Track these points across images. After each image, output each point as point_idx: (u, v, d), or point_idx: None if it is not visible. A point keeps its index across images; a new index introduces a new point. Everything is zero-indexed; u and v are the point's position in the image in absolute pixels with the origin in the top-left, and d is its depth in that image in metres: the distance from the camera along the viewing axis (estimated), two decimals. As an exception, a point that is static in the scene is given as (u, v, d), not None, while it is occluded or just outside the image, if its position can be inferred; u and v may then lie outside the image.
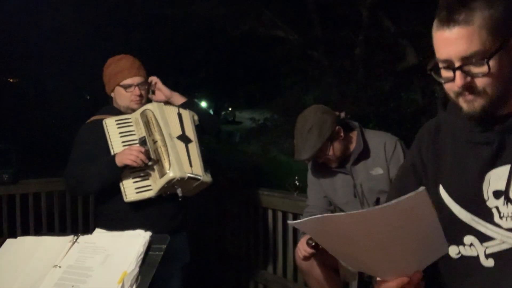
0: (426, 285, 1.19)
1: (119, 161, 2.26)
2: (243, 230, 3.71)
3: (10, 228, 3.54)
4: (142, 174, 2.36)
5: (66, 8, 9.27)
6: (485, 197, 1.10)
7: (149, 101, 2.56)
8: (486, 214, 1.09)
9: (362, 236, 0.94)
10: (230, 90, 17.68)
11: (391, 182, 2.25)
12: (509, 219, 1.06)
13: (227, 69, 13.77)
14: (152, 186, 2.35)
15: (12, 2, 9.01)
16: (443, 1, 1.05)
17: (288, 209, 3.15)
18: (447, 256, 1.13)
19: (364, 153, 2.37)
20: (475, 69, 1.03)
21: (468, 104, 1.07)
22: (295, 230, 3.14)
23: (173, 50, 11.42)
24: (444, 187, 1.17)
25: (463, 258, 1.13)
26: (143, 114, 2.40)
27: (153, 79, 2.65)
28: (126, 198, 2.33)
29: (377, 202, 2.31)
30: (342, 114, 2.45)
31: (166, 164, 2.29)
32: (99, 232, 1.51)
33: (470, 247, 1.12)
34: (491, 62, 1.01)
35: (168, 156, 2.30)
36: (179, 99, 2.65)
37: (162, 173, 2.29)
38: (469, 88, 1.05)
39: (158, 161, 2.32)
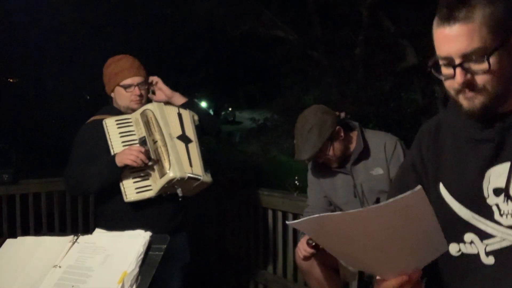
0: (427, 283, 1.19)
1: (119, 161, 2.26)
2: (243, 230, 3.71)
3: (10, 228, 3.54)
4: (142, 174, 2.36)
5: (66, 8, 9.27)
6: (485, 194, 1.10)
7: (149, 101, 2.56)
8: (486, 212, 1.09)
9: (361, 235, 0.94)
10: (230, 90, 17.70)
11: (391, 182, 2.24)
12: (509, 216, 1.06)
13: (227, 69, 13.78)
14: (152, 186, 2.35)
15: (12, 2, 9.01)
16: None
17: (288, 209, 3.15)
18: (447, 254, 1.13)
19: (364, 153, 2.37)
20: (475, 66, 1.03)
21: (468, 101, 1.07)
22: (295, 230, 3.14)
23: (173, 50, 11.42)
24: (444, 185, 1.17)
25: (463, 255, 1.13)
26: (143, 114, 2.40)
27: (154, 78, 2.64)
28: (126, 198, 2.33)
29: (377, 202, 2.31)
30: (342, 114, 2.45)
31: (166, 164, 2.29)
32: (99, 232, 1.51)
33: (471, 244, 1.12)
34: (491, 59, 1.02)
35: (168, 156, 2.30)
36: (179, 99, 2.65)
37: (162, 173, 2.29)
38: (469, 85, 1.05)
39: (158, 161, 2.32)
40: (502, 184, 1.08)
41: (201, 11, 8.71)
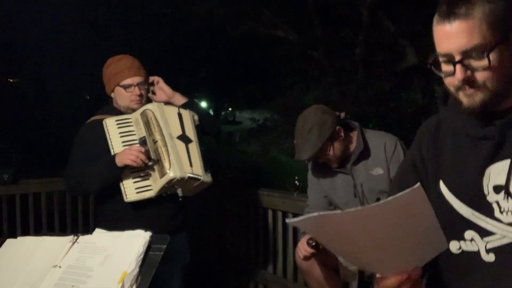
0: (428, 280, 1.19)
1: (119, 161, 2.26)
2: (243, 230, 3.71)
3: (10, 228, 3.53)
4: (142, 174, 2.36)
5: (66, 8, 9.27)
6: (485, 192, 1.10)
7: (149, 101, 2.56)
8: (486, 209, 1.09)
9: (360, 234, 0.94)
10: (230, 90, 17.70)
11: (391, 182, 2.24)
12: (509, 213, 1.06)
13: (227, 69, 13.78)
14: (152, 186, 2.35)
15: (12, 2, 9.02)
16: None
17: (288, 209, 3.15)
18: (448, 251, 1.13)
19: (364, 153, 2.37)
20: (475, 63, 1.04)
21: (468, 98, 1.07)
22: (295, 230, 3.14)
23: (173, 50, 11.43)
24: (444, 183, 1.17)
25: (464, 253, 1.13)
26: (143, 114, 2.40)
27: (155, 78, 2.64)
28: (127, 198, 2.33)
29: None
30: (342, 114, 2.45)
31: (166, 164, 2.29)
32: (99, 232, 1.51)
33: (471, 242, 1.12)
34: (491, 56, 1.02)
35: (169, 156, 2.30)
36: (180, 99, 2.65)
37: (163, 173, 2.29)
38: (469, 82, 1.05)
39: (158, 161, 2.32)
40: (502, 181, 1.08)
41: (201, 11, 8.72)
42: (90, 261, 1.38)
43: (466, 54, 1.03)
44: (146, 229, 1.41)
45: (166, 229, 1.76)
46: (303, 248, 2.33)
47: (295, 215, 3.09)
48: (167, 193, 2.38)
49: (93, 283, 1.31)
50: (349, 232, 0.94)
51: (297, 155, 2.37)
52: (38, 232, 3.46)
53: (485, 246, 1.09)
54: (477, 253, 1.11)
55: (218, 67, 13.50)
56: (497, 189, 1.08)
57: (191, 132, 2.48)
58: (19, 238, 1.63)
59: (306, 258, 2.34)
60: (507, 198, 1.07)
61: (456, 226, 1.13)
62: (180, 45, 11.29)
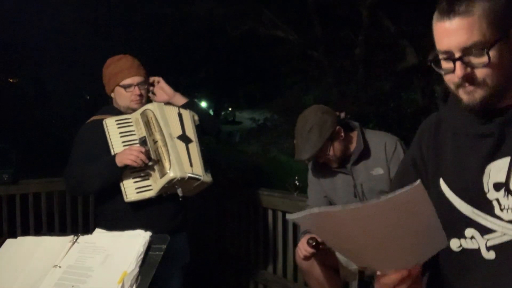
0: (429, 278, 1.19)
1: (119, 161, 2.26)
2: (243, 230, 3.71)
3: (10, 228, 3.53)
4: (142, 174, 2.36)
5: (66, 8, 9.27)
6: (486, 189, 1.10)
7: (149, 101, 2.56)
8: (486, 207, 1.09)
9: (360, 231, 0.94)
10: (230, 90, 17.69)
11: (391, 181, 2.24)
12: (509, 211, 1.06)
13: (227, 69, 13.78)
14: (152, 186, 2.35)
15: (12, 2, 9.01)
16: None
17: (288, 209, 3.15)
18: (448, 249, 1.13)
19: (365, 153, 2.37)
20: (475, 60, 1.04)
21: (468, 95, 1.07)
22: (295, 230, 3.14)
23: (173, 50, 11.42)
24: (444, 180, 1.17)
25: (464, 251, 1.13)
26: (143, 114, 2.40)
27: (156, 78, 2.64)
28: (127, 198, 2.33)
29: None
30: (342, 114, 2.45)
31: (166, 164, 2.29)
32: (99, 232, 1.51)
33: (471, 240, 1.12)
34: (491, 53, 1.02)
35: (169, 156, 2.30)
36: (180, 99, 2.65)
37: (163, 173, 2.29)
38: (469, 79, 1.05)
39: (158, 161, 2.32)
40: (502, 178, 1.08)
41: (201, 11, 8.72)
42: (90, 261, 1.38)
43: (466, 51, 1.03)
44: (146, 229, 1.41)
45: (166, 229, 1.76)
46: (303, 248, 2.33)
47: (295, 215, 3.08)
48: (167, 193, 2.38)
49: (93, 283, 1.31)
50: (349, 229, 0.94)
51: (297, 155, 2.37)
52: (38, 232, 3.46)
53: (486, 244, 1.09)
54: (478, 251, 1.11)
55: (218, 67, 13.50)
56: (497, 186, 1.08)
57: (191, 132, 2.47)
58: (19, 238, 1.63)
59: (306, 258, 2.34)
60: (507, 195, 1.07)
61: (456, 224, 1.13)
62: (180, 45, 11.29)
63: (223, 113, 23.80)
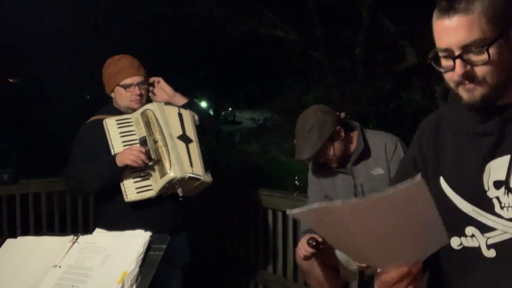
0: (429, 277, 1.19)
1: (119, 161, 2.26)
2: (243, 230, 3.71)
3: (10, 228, 3.53)
4: (142, 174, 2.36)
5: (66, 8, 9.27)
6: (486, 187, 1.10)
7: (149, 101, 2.56)
8: (486, 205, 1.09)
9: (361, 226, 0.93)
10: (230, 90, 17.68)
11: (391, 181, 2.24)
12: (510, 209, 1.06)
13: (227, 69, 13.77)
14: (152, 186, 2.35)
15: (12, 2, 9.01)
16: None
17: (287, 213, 3.15)
18: (449, 247, 1.14)
19: (365, 153, 2.37)
20: (475, 58, 1.04)
21: (468, 93, 1.07)
22: (295, 230, 3.14)
23: (173, 50, 11.42)
24: (445, 179, 1.17)
25: (465, 249, 1.13)
26: (143, 114, 2.40)
27: (156, 79, 2.65)
28: (127, 198, 2.33)
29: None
30: (342, 114, 2.45)
31: (166, 164, 2.29)
32: (99, 232, 1.51)
33: (472, 238, 1.12)
34: (491, 50, 1.02)
35: (169, 156, 2.30)
36: (180, 99, 2.65)
37: (163, 173, 2.29)
38: (469, 76, 1.05)
39: (158, 161, 2.32)
40: (502, 176, 1.08)
41: (201, 11, 8.72)
42: (90, 261, 1.38)
43: (466, 48, 1.03)
44: (146, 229, 1.41)
45: (166, 229, 1.76)
46: (303, 248, 2.33)
47: (295, 215, 3.08)
48: (168, 193, 2.38)
49: (93, 283, 1.31)
50: (349, 225, 0.93)
51: (297, 155, 2.37)
52: (38, 232, 3.46)
53: (486, 242, 1.09)
54: (478, 249, 1.11)
55: (218, 67, 13.49)
56: (497, 184, 1.08)
57: (191, 132, 2.48)
58: (19, 238, 1.63)
59: (306, 258, 2.34)
60: (508, 193, 1.07)
61: (456, 222, 1.13)
62: (180, 45, 11.29)
63: (223, 113, 23.78)
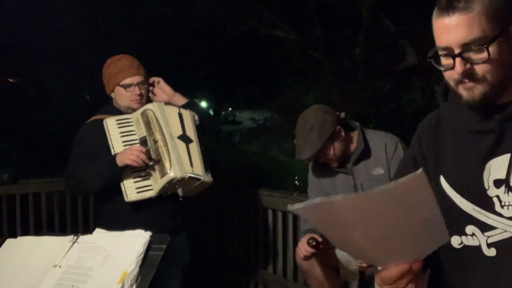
0: (430, 275, 1.19)
1: (120, 161, 2.26)
2: (243, 230, 3.71)
3: (10, 228, 3.53)
4: (143, 174, 2.36)
5: (66, 8, 9.27)
6: (486, 186, 1.10)
7: (149, 101, 2.56)
8: (486, 203, 1.10)
9: (362, 221, 0.93)
10: (230, 90, 17.68)
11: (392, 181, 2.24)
12: (510, 207, 1.06)
13: (227, 69, 13.77)
14: (153, 186, 2.35)
15: (12, 2, 9.01)
16: None
17: (288, 209, 3.15)
18: (449, 246, 1.14)
19: (365, 153, 2.37)
20: (474, 56, 1.04)
21: (468, 91, 1.07)
22: (295, 230, 3.14)
23: (173, 50, 11.41)
24: (445, 178, 1.17)
25: (465, 248, 1.13)
26: (143, 114, 2.40)
27: (156, 79, 2.65)
28: (127, 198, 2.33)
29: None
30: (342, 114, 2.45)
31: (167, 164, 2.29)
32: (99, 232, 1.51)
33: (472, 237, 1.12)
34: (491, 49, 1.02)
35: (169, 156, 2.30)
36: (180, 99, 2.65)
37: (163, 173, 2.29)
38: (469, 75, 1.05)
39: (159, 161, 2.32)
40: (502, 175, 1.08)
41: (201, 11, 8.72)
42: (90, 261, 1.38)
43: (466, 47, 1.03)
44: (146, 229, 1.41)
45: (166, 229, 1.76)
46: (303, 248, 2.33)
47: (295, 215, 3.09)
48: (168, 193, 2.38)
49: (93, 283, 1.31)
50: (350, 220, 0.93)
51: (298, 155, 2.37)
52: (38, 232, 3.46)
53: (486, 241, 1.10)
54: (479, 247, 1.11)
55: (218, 67, 13.49)
56: (497, 183, 1.08)
57: (191, 132, 2.48)
58: (19, 238, 1.63)
59: (306, 258, 2.34)
60: (508, 192, 1.07)
61: (457, 221, 1.13)
62: (180, 45, 11.28)
63: (223, 113, 23.78)
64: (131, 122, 2.41)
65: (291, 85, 10.93)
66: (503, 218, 1.07)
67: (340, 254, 2.44)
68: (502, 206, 1.08)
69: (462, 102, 1.09)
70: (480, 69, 1.04)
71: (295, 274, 3.18)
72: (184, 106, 2.59)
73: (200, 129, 2.58)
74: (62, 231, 3.65)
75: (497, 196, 1.08)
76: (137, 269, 1.30)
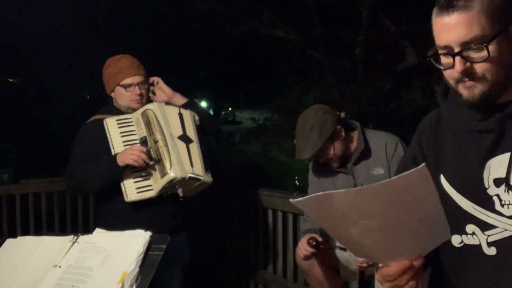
0: (430, 274, 1.19)
1: (120, 161, 2.26)
2: (243, 230, 3.71)
3: (10, 228, 3.53)
4: (143, 174, 2.36)
5: (66, 8, 9.27)
6: (486, 185, 1.10)
7: (149, 101, 2.56)
8: (487, 202, 1.09)
9: (363, 215, 0.92)
10: (230, 90, 17.68)
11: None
12: (510, 206, 1.06)
13: (227, 69, 13.76)
14: (153, 186, 2.35)
15: (12, 2, 9.01)
16: None
17: (288, 209, 3.15)
18: (450, 245, 1.14)
19: (365, 153, 2.37)
20: (474, 55, 1.04)
21: (468, 90, 1.07)
22: (295, 230, 3.14)
23: (173, 50, 11.41)
24: (445, 177, 1.17)
25: (465, 247, 1.13)
26: (144, 114, 2.40)
27: (155, 79, 2.65)
28: (127, 198, 2.33)
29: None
30: (342, 114, 2.45)
31: (167, 164, 2.29)
32: (99, 232, 1.51)
33: (472, 236, 1.12)
34: (491, 47, 1.02)
35: (169, 156, 2.30)
36: (180, 99, 2.65)
37: (163, 173, 2.29)
38: (468, 74, 1.05)
39: (159, 161, 2.32)
40: (502, 174, 1.08)
41: (201, 11, 8.72)
42: (90, 261, 1.38)
43: (465, 45, 1.03)
44: (146, 229, 1.41)
45: (166, 229, 1.76)
46: (303, 248, 2.33)
47: (295, 215, 3.09)
48: (168, 193, 2.38)
49: (93, 283, 1.31)
50: (351, 214, 0.92)
51: (298, 155, 2.37)
52: (38, 232, 3.46)
53: (487, 240, 1.09)
54: (479, 246, 1.11)
55: (218, 67, 13.49)
56: (497, 182, 1.08)
57: (191, 132, 2.48)
58: (19, 238, 1.63)
59: (307, 257, 2.34)
60: (508, 191, 1.07)
61: (457, 220, 1.13)
62: (180, 45, 11.28)
63: (223, 113, 23.77)
64: (132, 122, 2.41)
65: (291, 85, 10.93)
66: (503, 217, 1.07)
67: (340, 254, 2.44)
68: (502, 205, 1.08)
69: (462, 101, 1.09)
70: (480, 68, 1.04)
71: (295, 274, 3.18)
72: (184, 106, 2.59)
73: (200, 129, 2.58)
74: (62, 231, 3.65)
75: (497, 195, 1.08)
76: (137, 269, 1.30)
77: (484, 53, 1.02)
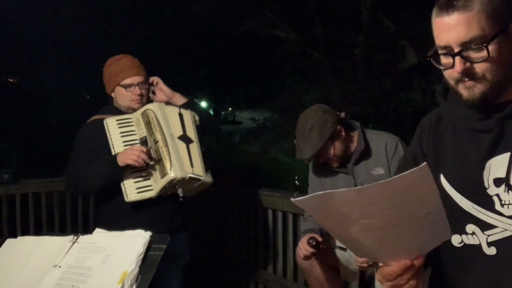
0: (431, 274, 1.19)
1: (120, 161, 2.26)
2: (243, 230, 3.71)
3: (10, 228, 3.53)
4: (143, 174, 2.36)
5: (66, 8, 9.27)
6: (486, 185, 1.10)
7: (150, 101, 2.56)
8: (487, 202, 1.10)
9: (364, 214, 0.92)
10: (230, 90, 17.70)
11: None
12: (510, 206, 1.07)
13: (227, 69, 13.77)
14: (153, 186, 2.35)
15: (12, 2, 9.01)
16: None
17: (288, 209, 3.15)
18: (450, 245, 1.14)
19: (365, 153, 2.37)
20: (474, 54, 1.04)
21: (468, 90, 1.07)
22: (295, 230, 3.14)
23: (173, 50, 11.42)
24: (445, 176, 1.17)
25: (465, 246, 1.13)
26: (144, 114, 2.40)
27: (155, 79, 2.65)
28: (127, 198, 2.33)
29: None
30: (342, 114, 2.45)
31: (167, 164, 2.29)
32: (99, 232, 1.51)
33: (472, 235, 1.12)
34: (490, 47, 1.02)
35: (170, 156, 2.30)
36: (180, 99, 2.65)
37: (164, 173, 2.29)
38: (468, 73, 1.05)
39: (159, 161, 2.32)
40: (502, 174, 1.08)
41: (201, 11, 8.72)
42: (90, 261, 1.38)
43: (465, 45, 1.03)
44: (146, 229, 1.41)
45: (166, 229, 1.76)
46: (303, 248, 2.33)
47: (295, 215, 3.09)
48: (168, 193, 2.38)
49: (93, 283, 1.31)
50: (352, 213, 0.92)
51: (298, 154, 2.37)
52: (38, 232, 3.46)
53: (487, 240, 1.10)
54: (479, 246, 1.11)
55: (218, 67, 13.50)
56: (497, 182, 1.08)
57: (192, 132, 2.48)
58: (19, 238, 1.63)
59: (307, 257, 2.34)
60: (508, 191, 1.07)
61: (457, 219, 1.13)
62: (180, 45, 11.29)
63: (223, 113, 23.80)
64: (132, 122, 2.41)
65: (291, 85, 10.93)
66: (503, 217, 1.07)
67: (340, 254, 2.44)
68: (502, 205, 1.08)
69: (462, 101, 1.09)
70: (479, 67, 1.04)
71: (295, 274, 3.18)
72: (184, 106, 2.59)
73: (200, 129, 2.58)
74: (62, 231, 3.65)
75: (497, 195, 1.08)
76: (137, 269, 1.30)
77: (484, 53, 1.02)
